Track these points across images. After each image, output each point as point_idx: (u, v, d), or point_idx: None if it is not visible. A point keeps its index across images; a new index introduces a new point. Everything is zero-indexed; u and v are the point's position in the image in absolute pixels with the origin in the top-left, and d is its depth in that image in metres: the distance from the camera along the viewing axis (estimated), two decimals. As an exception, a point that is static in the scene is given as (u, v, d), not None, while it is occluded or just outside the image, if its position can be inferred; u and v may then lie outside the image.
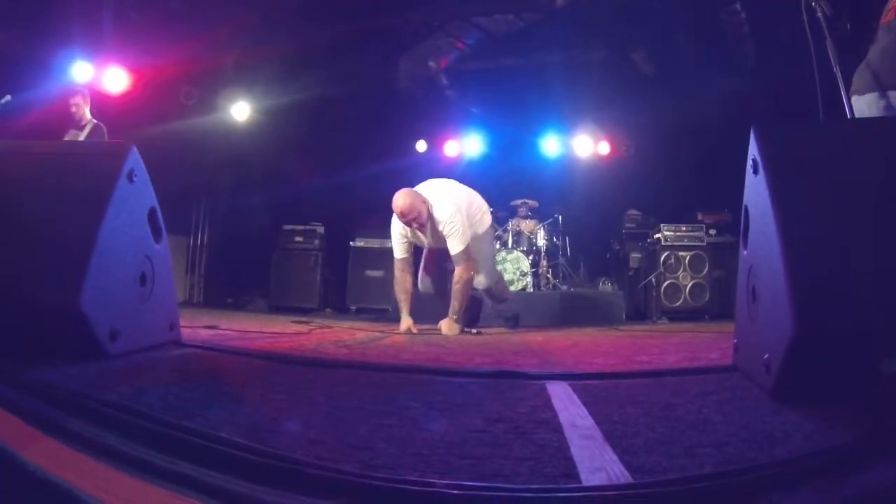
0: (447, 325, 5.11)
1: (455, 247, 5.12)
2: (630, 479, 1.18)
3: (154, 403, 1.73)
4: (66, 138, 6.01)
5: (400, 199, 5.09)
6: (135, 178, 2.69)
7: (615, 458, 1.29)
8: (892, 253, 1.76)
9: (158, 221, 2.92)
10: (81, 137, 6.07)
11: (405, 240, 5.40)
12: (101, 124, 6.28)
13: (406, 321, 5.20)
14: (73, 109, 6.22)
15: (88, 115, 6.31)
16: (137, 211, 2.75)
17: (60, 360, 2.17)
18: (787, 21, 4.15)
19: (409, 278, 5.41)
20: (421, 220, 5.09)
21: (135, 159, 2.73)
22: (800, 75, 4.25)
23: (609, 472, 1.21)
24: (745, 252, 2.39)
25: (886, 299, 1.70)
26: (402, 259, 5.42)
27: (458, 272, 5.16)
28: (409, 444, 1.42)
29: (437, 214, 5.15)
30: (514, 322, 6.24)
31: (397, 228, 5.39)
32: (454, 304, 5.14)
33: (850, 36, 4.24)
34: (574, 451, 1.35)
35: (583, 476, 1.20)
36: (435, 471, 1.23)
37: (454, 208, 5.18)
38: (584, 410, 1.74)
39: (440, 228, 5.15)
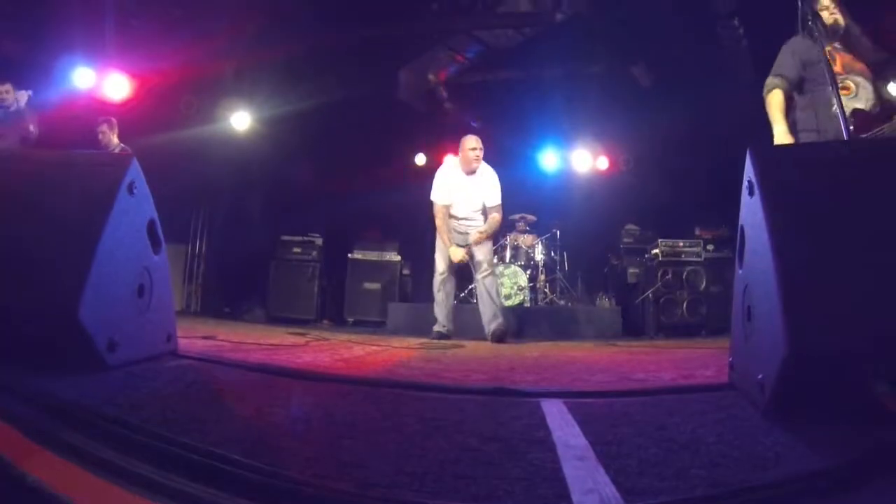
0: (476, 235, 6.19)
1: (495, 198, 6.32)
2: (622, 502, 1.19)
3: (151, 417, 1.73)
4: None
5: (473, 136, 6.37)
6: (135, 191, 2.70)
7: (608, 479, 1.30)
8: (885, 274, 1.77)
9: (158, 233, 2.93)
10: None
11: (448, 187, 6.30)
12: (129, 148, 6.54)
13: (458, 250, 6.13)
14: (100, 137, 6.57)
15: (116, 140, 6.63)
16: (137, 223, 2.76)
17: (58, 372, 2.17)
18: (785, 35, 4.19)
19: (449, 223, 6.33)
20: (480, 159, 6.28)
21: (135, 171, 2.74)
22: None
23: (601, 494, 1.21)
24: (740, 271, 2.40)
25: (880, 320, 1.71)
26: (447, 206, 6.31)
27: (495, 216, 6.29)
28: (404, 462, 1.42)
29: (484, 168, 6.33)
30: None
31: (444, 174, 6.40)
32: (486, 227, 6.26)
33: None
34: (567, 471, 1.35)
35: (575, 498, 1.20)
36: (429, 490, 1.24)
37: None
38: (577, 430, 1.74)
39: (485, 180, 6.31)
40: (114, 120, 6.68)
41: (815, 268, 1.81)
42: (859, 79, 4.15)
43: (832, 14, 4.23)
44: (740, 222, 2.38)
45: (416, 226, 8.73)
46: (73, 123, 6.81)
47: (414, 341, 5.26)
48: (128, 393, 2.04)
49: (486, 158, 6.31)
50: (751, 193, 2.12)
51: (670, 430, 1.75)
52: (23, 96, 6.07)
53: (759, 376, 1.88)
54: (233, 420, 1.80)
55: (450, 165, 6.45)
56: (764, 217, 1.92)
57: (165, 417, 1.75)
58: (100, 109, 6.88)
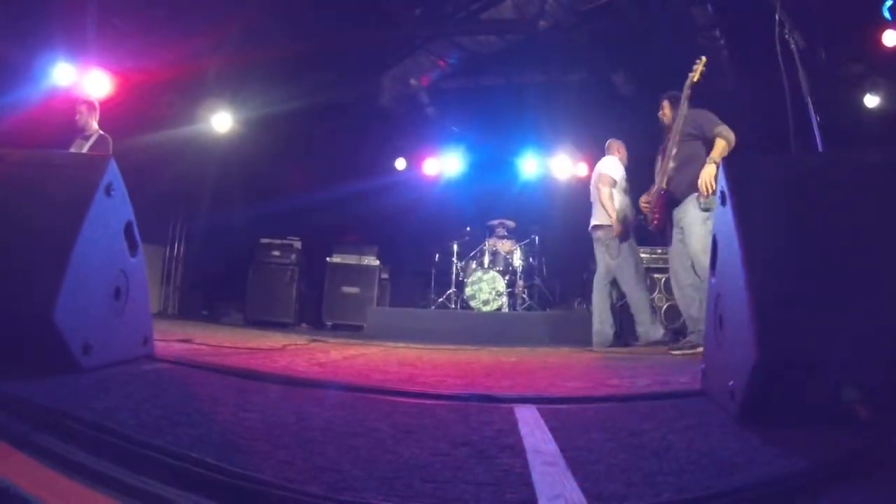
0: None
1: None
2: (587, 507, 1.21)
3: (125, 420, 1.73)
4: (72, 148, 6.00)
5: None
6: (112, 192, 2.69)
7: (575, 485, 1.31)
8: (852, 282, 1.80)
9: (135, 235, 2.92)
10: (86, 148, 6.06)
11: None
12: (107, 136, 6.27)
13: None
14: (77, 117, 6.27)
15: (95, 126, 6.33)
16: (114, 225, 2.75)
17: (32, 374, 2.16)
18: (764, 47, 4.26)
19: None
20: None
21: (113, 173, 2.72)
22: (775, 99, 4.36)
23: (567, 500, 1.22)
24: (713, 280, 2.43)
25: (848, 327, 1.74)
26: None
27: None
28: (374, 466, 1.43)
29: None
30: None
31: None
32: None
33: (825, 66, 4.36)
34: (535, 477, 1.37)
35: (541, 503, 1.22)
36: (397, 494, 1.25)
37: None
38: (549, 435, 1.76)
39: None
40: (95, 102, 6.44)
41: (785, 277, 1.84)
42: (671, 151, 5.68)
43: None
44: (713, 232, 2.41)
45: (395, 231, 8.72)
46: (52, 122, 6.70)
47: (392, 345, 5.24)
48: (101, 396, 2.03)
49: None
50: (723, 203, 2.15)
51: (641, 436, 1.77)
52: None
53: (731, 383, 1.91)
54: (207, 423, 1.80)
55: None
56: (735, 227, 1.95)
57: (139, 420, 1.75)
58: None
